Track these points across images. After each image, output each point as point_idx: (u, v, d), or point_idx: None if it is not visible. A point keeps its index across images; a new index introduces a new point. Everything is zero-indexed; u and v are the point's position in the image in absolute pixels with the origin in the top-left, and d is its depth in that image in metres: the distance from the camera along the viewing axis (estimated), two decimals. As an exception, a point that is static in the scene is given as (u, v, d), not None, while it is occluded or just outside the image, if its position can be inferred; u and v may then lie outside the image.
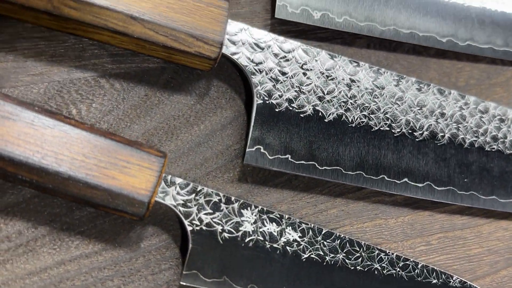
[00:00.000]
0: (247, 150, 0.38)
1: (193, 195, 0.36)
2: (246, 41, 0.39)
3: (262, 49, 0.40)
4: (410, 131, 0.43)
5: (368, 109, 0.42)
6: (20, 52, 0.35)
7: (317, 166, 0.39)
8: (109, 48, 0.37)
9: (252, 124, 0.38)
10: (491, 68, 0.49)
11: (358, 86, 0.42)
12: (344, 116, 0.41)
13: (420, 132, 0.43)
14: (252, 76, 0.39)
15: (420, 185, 0.42)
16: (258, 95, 0.39)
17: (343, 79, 0.41)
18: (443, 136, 0.43)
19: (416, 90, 0.44)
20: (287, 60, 0.40)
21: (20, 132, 0.30)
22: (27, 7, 0.33)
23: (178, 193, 0.36)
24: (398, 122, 0.42)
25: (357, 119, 0.41)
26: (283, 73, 0.40)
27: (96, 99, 0.36)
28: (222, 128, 0.39)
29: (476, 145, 0.45)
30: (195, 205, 0.36)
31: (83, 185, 0.31)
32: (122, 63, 0.37)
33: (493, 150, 0.45)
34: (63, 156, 0.30)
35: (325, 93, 0.41)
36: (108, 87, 0.36)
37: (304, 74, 0.40)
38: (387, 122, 0.42)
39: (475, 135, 0.45)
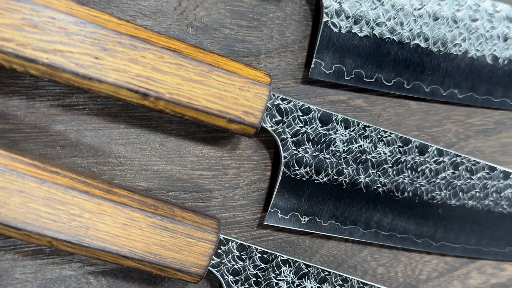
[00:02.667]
0: None
1: None
2: (229, 253, 0.42)
3: (243, 261, 0.42)
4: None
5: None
6: (18, 250, 0.38)
7: None
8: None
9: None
10: (456, 261, 0.52)
11: (322, 295, 0.45)
12: (302, 322, 0.45)
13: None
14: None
15: None
16: (229, 306, 0.42)
17: (310, 288, 0.45)
18: None
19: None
20: (264, 271, 0.43)
21: None
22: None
23: None
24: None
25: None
26: (257, 284, 0.43)
27: (82, 296, 0.39)
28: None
29: None
30: None
31: None
32: (111, 260, 0.40)
33: None
34: None
35: (291, 302, 0.44)
36: (95, 283, 0.40)
37: (276, 284, 0.44)
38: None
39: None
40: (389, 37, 0.46)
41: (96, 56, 0.34)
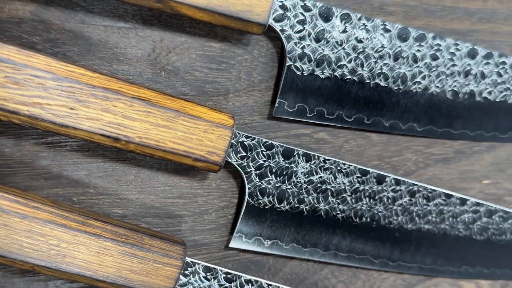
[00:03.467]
0: None
1: None
2: (196, 274, 0.46)
3: (209, 280, 0.47)
4: None
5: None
6: (8, 269, 0.43)
7: None
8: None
9: None
10: (413, 278, 0.56)
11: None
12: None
13: None
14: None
15: None
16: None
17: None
18: None
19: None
20: (227, 290, 0.48)
21: None
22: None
23: None
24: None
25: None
26: (221, 301, 0.48)
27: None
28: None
29: None
30: None
31: None
32: None
33: None
34: None
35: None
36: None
37: (239, 301, 0.48)
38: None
39: None
40: (349, 78, 0.49)
41: (71, 107, 0.39)
